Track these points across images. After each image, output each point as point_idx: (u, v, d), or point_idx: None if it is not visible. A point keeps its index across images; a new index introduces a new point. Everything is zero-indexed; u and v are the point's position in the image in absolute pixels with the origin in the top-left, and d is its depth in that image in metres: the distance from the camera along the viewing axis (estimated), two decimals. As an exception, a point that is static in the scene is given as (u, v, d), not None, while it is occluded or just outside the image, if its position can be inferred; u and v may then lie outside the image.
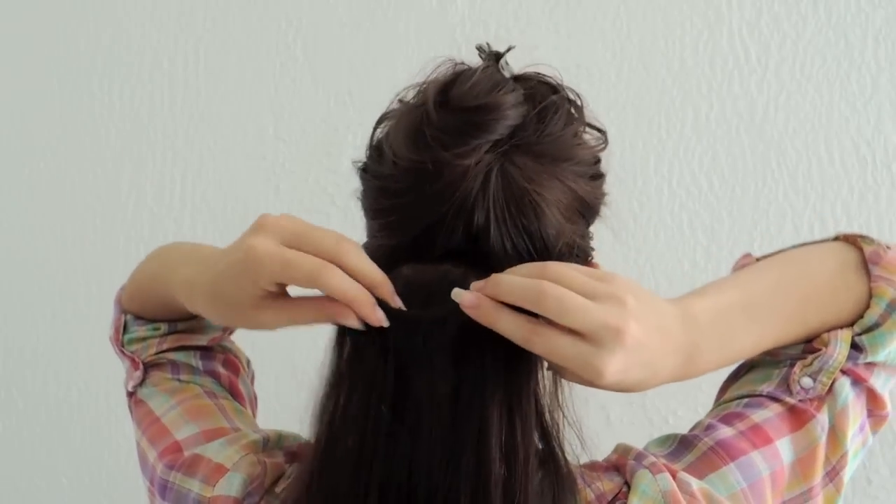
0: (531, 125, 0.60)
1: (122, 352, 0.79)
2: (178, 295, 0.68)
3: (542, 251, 0.58)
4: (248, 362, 0.84)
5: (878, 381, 0.66)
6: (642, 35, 1.22)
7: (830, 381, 0.64)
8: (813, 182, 1.17)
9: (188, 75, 1.38)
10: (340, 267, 0.56)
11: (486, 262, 0.57)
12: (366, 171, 0.64)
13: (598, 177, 0.65)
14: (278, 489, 0.63)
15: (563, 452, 0.59)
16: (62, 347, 1.42)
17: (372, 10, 1.31)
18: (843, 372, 0.65)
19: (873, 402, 0.66)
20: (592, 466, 0.63)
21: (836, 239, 0.70)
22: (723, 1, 1.20)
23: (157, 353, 0.77)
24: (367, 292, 0.56)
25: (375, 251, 0.61)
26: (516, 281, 0.55)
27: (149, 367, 0.77)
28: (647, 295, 0.57)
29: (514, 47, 0.64)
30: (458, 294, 0.56)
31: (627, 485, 0.61)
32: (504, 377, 0.57)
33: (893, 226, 1.15)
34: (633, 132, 1.21)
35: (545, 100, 0.62)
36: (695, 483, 0.59)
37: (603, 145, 0.65)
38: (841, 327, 0.65)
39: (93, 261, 1.40)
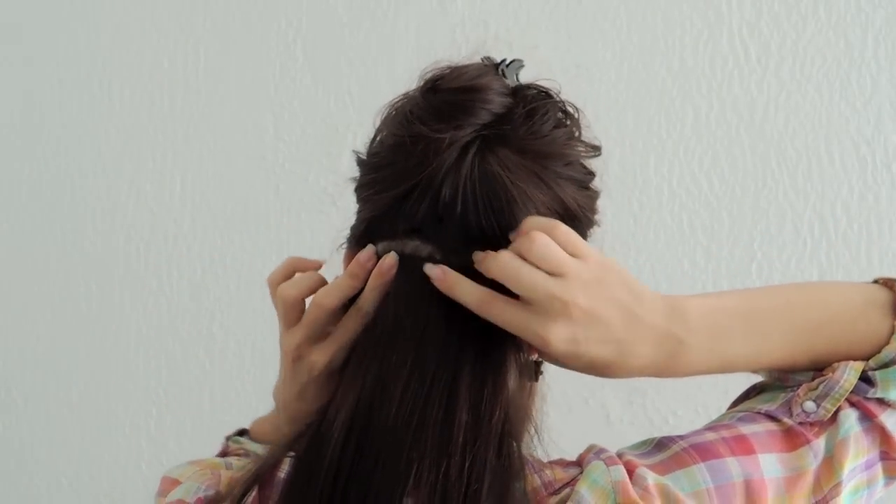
0: (518, 121, 0.62)
1: (225, 441, 0.82)
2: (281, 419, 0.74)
3: (507, 240, 0.61)
4: None
5: (889, 421, 0.64)
6: (642, 35, 1.22)
7: (834, 409, 0.63)
8: (813, 182, 1.17)
9: (188, 75, 1.38)
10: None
11: (450, 242, 0.61)
12: (360, 157, 0.67)
13: (588, 187, 0.66)
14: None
15: (514, 440, 0.60)
16: (62, 347, 1.42)
17: (372, 10, 1.31)
18: (852, 404, 0.63)
19: (887, 443, 0.64)
20: (557, 462, 0.64)
21: (875, 282, 0.69)
22: (723, 1, 1.20)
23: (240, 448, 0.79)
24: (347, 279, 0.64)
25: (357, 226, 0.66)
26: (489, 259, 0.59)
27: (227, 453, 0.79)
28: (624, 280, 0.59)
29: (521, 63, 0.66)
30: (429, 269, 0.60)
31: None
32: (477, 348, 0.61)
33: (893, 226, 1.15)
34: (633, 132, 1.21)
35: (537, 102, 0.63)
36: (651, 478, 0.59)
37: (595, 154, 0.66)
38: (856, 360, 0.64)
39: (93, 261, 1.40)
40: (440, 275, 0.60)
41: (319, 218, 1.30)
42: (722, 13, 1.20)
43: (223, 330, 1.35)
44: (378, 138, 0.66)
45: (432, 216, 0.60)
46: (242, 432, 0.82)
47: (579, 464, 0.62)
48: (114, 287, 1.40)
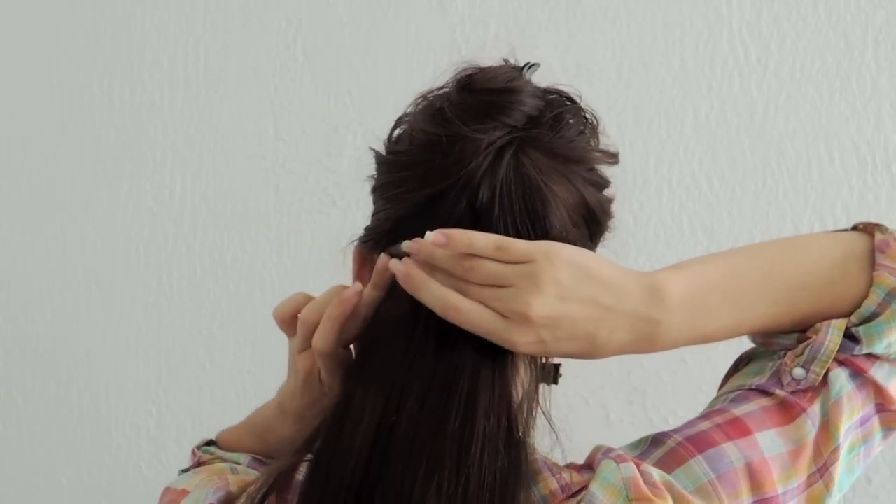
0: (547, 125, 0.62)
1: (193, 453, 0.81)
2: (275, 418, 0.74)
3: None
4: None
5: (879, 373, 0.63)
6: (642, 35, 1.22)
7: (823, 372, 0.62)
8: (813, 182, 1.17)
9: (188, 75, 1.38)
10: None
11: None
12: (381, 154, 0.66)
13: (605, 189, 0.66)
14: (242, 499, 0.64)
15: (527, 443, 0.60)
16: (62, 347, 1.41)
17: (372, 10, 1.31)
18: (840, 363, 0.63)
19: (880, 395, 0.64)
20: (569, 466, 0.64)
21: (855, 228, 0.68)
22: (723, 1, 1.20)
23: (214, 458, 0.79)
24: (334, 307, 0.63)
25: (380, 224, 0.64)
26: (430, 292, 0.59)
27: (202, 463, 0.79)
28: (586, 270, 0.59)
29: (538, 66, 0.66)
30: (395, 265, 0.60)
31: None
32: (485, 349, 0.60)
33: (893, 226, 1.15)
34: (633, 132, 1.21)
35: (563, 107, 0.64)
36: (656, 474, 0.59)
37: (613, 162, 0.67)
38: (838, 318, 0.63)
39: (93, 261, 1.40)
40: (404, 273, 0.60)
41: (319, 218, 1.30)
42: (722, 13, 1.20)
43: (223, 330, 1.35)
44: (403, 135, 0.66)
45: (470, 217, 0.60)
46: (210, 443, 0.82)
47: (590, 466, 0.62)
48: (114, 287, 1.39)
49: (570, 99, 0.66)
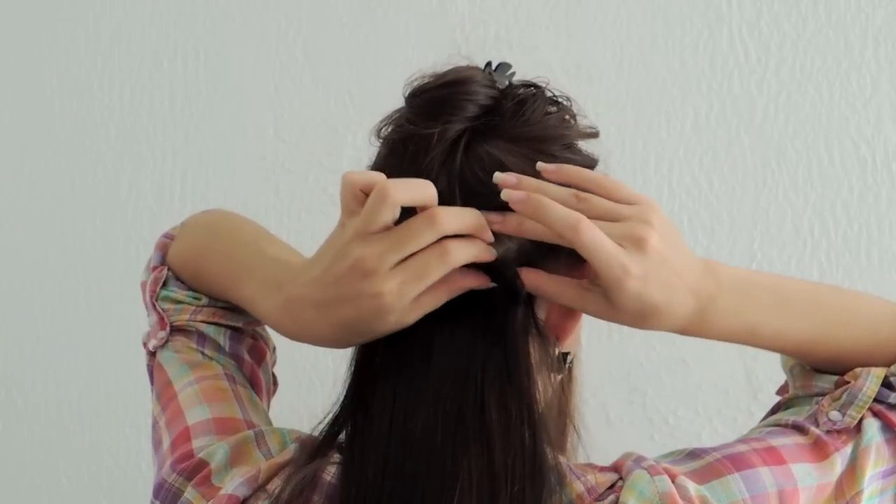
0: (508, 113, 0.61)
1: (154, 305, 0.76)
2: (252, 299, 0.68)
3: None
4: (274, 349, 0.82)
5: None
6: (642, 35, 1.22)
7: (859, 416, 0.64)
8: (813, 182, 1.17)
9: (188, 75, 1.38)
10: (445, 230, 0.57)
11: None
12: None
13: (593, 168, 0.65)
14: (270, 486, 0.61)
15: (551, 449, 0.59)
16: (62, 347, 1.41)
17: (372, 10, 1.31)
18: (874, 413, 0.64)
19: None
20: (590, 466, 0.63)
21: None
22: (723, 1, 1.20)
23: (188, 321, 0.75)
24: (477, 245, 0.58)
25: None
26: (555, 211, 0.56)
27: (175, 330, 0.75)
28: (672, 226, 0.60)
29: (509, 65, 0.64)
30: (506, 192, 0.57)
31: (622, 480, 0.60)
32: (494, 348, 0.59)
33: (893, 226, 1.15)
34: (633, 132, 1.21)
35: (524, 94, 0.63)
36: (692, 488, 0.59)
37: (593, 136, 0.65)
38: (877, 366, 0.66)
39: (93, 261, 1.40)
40: (523, 195, 0.56)
41: (319, 218, 1.30)
42: (722, 13, 1.20)
43: (223, 330, 1.35)
44: (375, 151, 0.66)
45: None
46: (166, 280, 0.77)
47: (614, 469, 0.62)
48: (114, 287, 1.39)
49: (534, 86, 0.64)
